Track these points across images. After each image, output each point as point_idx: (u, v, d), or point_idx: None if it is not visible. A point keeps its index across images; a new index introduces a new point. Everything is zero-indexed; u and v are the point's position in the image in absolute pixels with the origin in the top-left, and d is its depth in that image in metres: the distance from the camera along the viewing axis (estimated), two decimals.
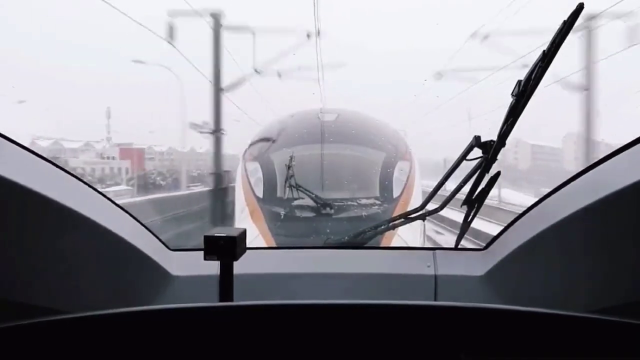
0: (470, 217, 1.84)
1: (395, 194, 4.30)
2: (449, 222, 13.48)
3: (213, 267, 1.64)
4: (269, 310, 0.98)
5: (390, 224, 2.17)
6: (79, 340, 0.92)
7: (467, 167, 1.77)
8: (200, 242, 1.35)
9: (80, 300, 1.35)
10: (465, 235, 1.95)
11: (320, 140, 4.65)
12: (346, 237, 2.31)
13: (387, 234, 3.11)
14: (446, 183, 1.95)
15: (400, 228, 2.23)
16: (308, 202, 4.07)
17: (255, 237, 3.72)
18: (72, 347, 0.91)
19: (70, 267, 1.33)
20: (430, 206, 2.05)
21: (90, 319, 0.94)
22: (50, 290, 1.28)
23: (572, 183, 1.42)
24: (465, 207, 1.84)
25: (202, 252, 1.34)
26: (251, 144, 5.31)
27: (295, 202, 4.12)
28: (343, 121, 5.04)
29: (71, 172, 1.38)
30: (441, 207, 1.98)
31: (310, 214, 4.05)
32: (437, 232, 12.87)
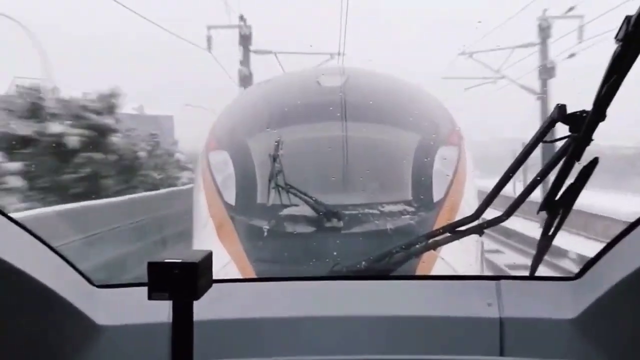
0: (553, 229, 1.86)
1: (437, 196, 4.30)
2: (519, 239, 13.59)
3: (162, 311, 1.67)
4: None
5: (430, 241, 2.21)
6: None
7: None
8: (140, 275, 1.36)
9: None
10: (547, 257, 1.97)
11: (321, 116, 4.66)
12: (363, 263, 2.35)
13: (425, 256, 3.12)
14: (514, 179, 1.97)
15: (444, 248, 2.30)
16: (305, 210, 4.08)
17: (225, 264, 3.73)
18: None
19: None
20: (490, 214, 2.06)
21: None
22: None
23: None
24: (544, 215, 1.85)
25: (144, 289, 1.33)
26: (217, 125, 5.31)
27: (286, 211, 4.13)
28: (355, 87, 5.02)
29: None
30: (507, 215, 2.01)
31: (309, 229, 4.06)
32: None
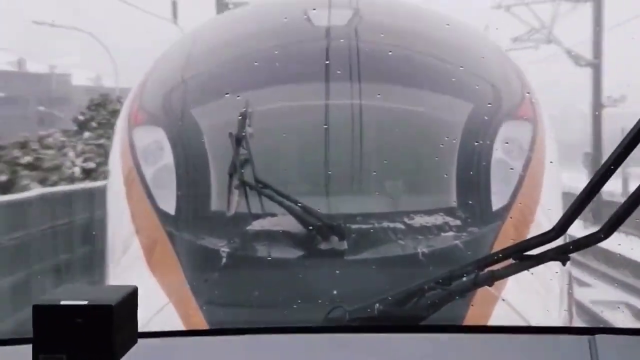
0: None
1: (497, 202, 4.36)
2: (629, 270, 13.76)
3: None
4: None
5: (485, 271, 2.25)
6: None
7: None
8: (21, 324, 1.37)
9: None
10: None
11: (313, 74, 4.70)
12: (378, 306, 2.39)
13: (478, 296, 3.15)
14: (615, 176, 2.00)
15: (507, 283, 2.33)
16: (286, 222, 4.11)
17: (160, 308, 3.75)
18: None
19: None
20: (579, 229, 2.07)
21: None
22: None
23: None
24: None
25: (28, 348, 1.34)
26: (146, 85, 5.34)
27: (256, 225, 4.18)
28: (368, 27, 5.12)
29: None
30: (606, 232, 2.02)
31: (293, 253, 4.12)
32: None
